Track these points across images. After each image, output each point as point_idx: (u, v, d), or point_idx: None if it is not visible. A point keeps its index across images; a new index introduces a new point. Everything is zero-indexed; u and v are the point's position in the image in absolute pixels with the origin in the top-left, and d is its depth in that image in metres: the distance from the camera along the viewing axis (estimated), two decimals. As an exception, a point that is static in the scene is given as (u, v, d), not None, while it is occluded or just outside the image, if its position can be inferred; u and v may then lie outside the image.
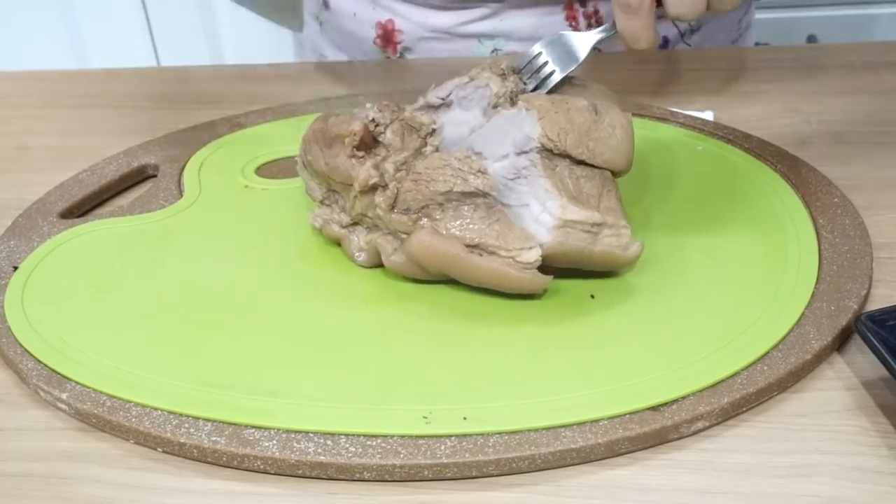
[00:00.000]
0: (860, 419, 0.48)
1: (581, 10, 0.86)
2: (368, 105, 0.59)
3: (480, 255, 0.54)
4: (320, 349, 0.52)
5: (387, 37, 0.90)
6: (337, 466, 0.46)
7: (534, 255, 0.53)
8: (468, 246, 0.54)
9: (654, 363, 0.50)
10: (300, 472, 0.46)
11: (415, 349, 0.52)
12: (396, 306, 0.56)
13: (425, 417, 0.47)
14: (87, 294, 0.58)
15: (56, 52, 1.90)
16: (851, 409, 0.48)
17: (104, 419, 0.49)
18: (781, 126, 0.73)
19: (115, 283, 0.59)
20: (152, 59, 1.89)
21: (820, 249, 0.58)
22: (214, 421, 0.48)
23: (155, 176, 0.71)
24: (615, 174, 0.57)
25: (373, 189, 0.56)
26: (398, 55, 0.91)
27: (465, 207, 0.55)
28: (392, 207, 0.55)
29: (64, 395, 0.50)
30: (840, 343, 0.52)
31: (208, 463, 0.47)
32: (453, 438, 0.46)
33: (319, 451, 0.46)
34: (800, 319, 0.53)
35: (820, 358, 0.51)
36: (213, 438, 0.47)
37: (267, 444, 0.47)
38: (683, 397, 0.48)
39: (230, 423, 0.48)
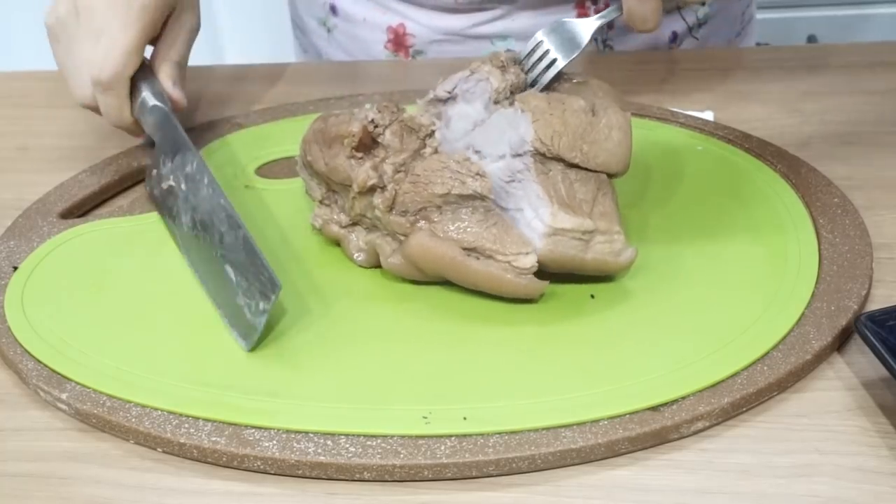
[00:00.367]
0: (860, 419, 0.48)
1: (592, 7, 0.86)
2: (367, 106, 0.59)
3: (477, 258, 0.54)
4: (320, 349, 0.52)
5: (398, 41, 0.90)
6: (337, 466, 0.46)
7: (530, 261, 0.53)
8: (465, 249, 0.54)
9: (653, 363, 0.50)
10: (300, 472, 0.46)
11: (415, 349, 0.52)
12: (396, 306, 0.56)
13: (425, 417, 0.47)
14: (87, 294, 0.58)
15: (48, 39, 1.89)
16: (851, 409, 0.48)
17: (104, 419, 0.49)
18: (781, 126, 0.73)
19: (115, 283, 0.59)
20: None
21: (820, 249, 0.58)
22: (214, 421, 0.48)
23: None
24: (611, 176, 0.57)
25: (371, 190, 0.56)
26: (409, 59, 0.91)
27: (464, 210, 0.55)
28: (390, 209, 0.55)
29: (64, 396, 0.50)
30: (840, 343, 0.52)
31: (208, 463, 0.47)
32: (453, 438, 0.46)
33: (319, 451, 0.46)
34: (800, 319, 0.53)
35: (820, 358, 0.51)
36: (213, 438, 0.47)
37: (267, 444, 0.47)
38: (683, 397, 0.48)
39: (230, 423, 0.48)
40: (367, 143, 0.57)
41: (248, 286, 0.53)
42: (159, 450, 0.48)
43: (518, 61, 0.60)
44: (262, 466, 0.46)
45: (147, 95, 0.67)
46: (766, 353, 0.50)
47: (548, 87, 0.60)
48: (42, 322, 0.55)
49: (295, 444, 0.47)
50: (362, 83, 0.85)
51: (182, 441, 0.47)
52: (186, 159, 0.61)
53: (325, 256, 0.60)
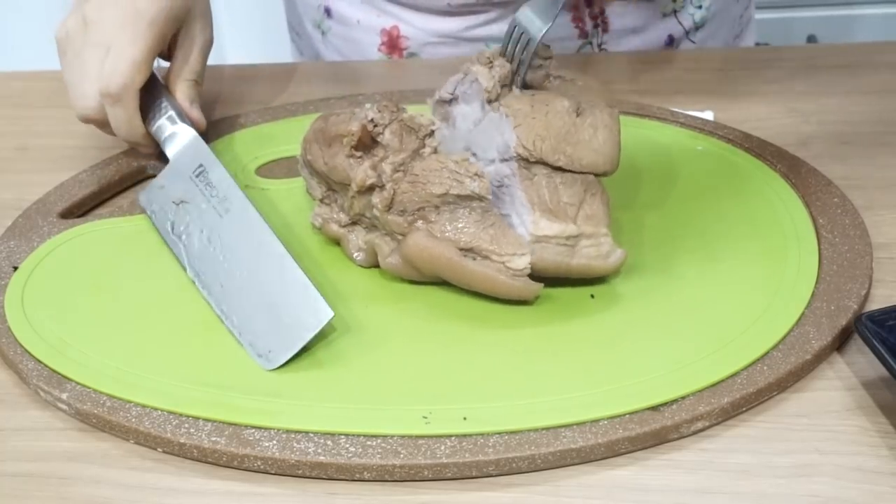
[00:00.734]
0: (860, 419, 0.48)
1: (587, 10, 0.86)
2: (368, 105, 0.59)
3: (474, 258, 0.54)
4: (320, 349, 0.52)
5: (392, 43, 0.90)
6: (337, 466, 0.46)
7: (523, 262, 0.53)
8: (462, 249, 0.54)
9: (653, 363, 0.50)
10: (300, 472, 0.46)
11: (415, 349, 0.52)
12: (396, 306, 0.56)
13: (425, 417, 0.47)
14: (86, 294, 0.58)
15: (56, 53, 1.90)
16: (851, 409, 0.48)
17: (104, 419, 0.49)
18: (781, 126, 0.73)
19: (115, 283, 0.59)
20: (152, 59, 1.89)
21: (820, 249, 0.58)
22: (214, 421, 0.48)
23: (155, 176, 0.71)
24: (602, 175, 0.56)
25: (370, 189, 0.56)
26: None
27: (461, 210, 0.55)
28: (388, 208, 0.55)
29: (64, 396, 0.50)
30: (840, 343, 0.52)
31: (208, 463, 0.47)
32: (453, 438, 0.46)
33: (319, 451, 0.46)
34: (800, 319, 0.53)
35: (820, 358, 0.51)
36: (213, 439, 0.47)
37: (267, 444, 0.47)
38: (683, 397, 0.48)
39: (230, 424, 0.48)
40: (367, 143, 0.57)
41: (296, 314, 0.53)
42: (159, 450, 0.48)
43: (503, 53, 0.60)
44: (262, 466, 0.46)
45: (173, 114, 0.67)
46: (766, 353, 0.50)
47: (536, 83, 0.59)
48: (42, 322, 0.55)
49: (295, 444, 0.47)
50: (362, 83, 0.85)
51: (182, 441, 0.47)
52: (223, 186, 0.61)
53: (325, 256, 0.60)
